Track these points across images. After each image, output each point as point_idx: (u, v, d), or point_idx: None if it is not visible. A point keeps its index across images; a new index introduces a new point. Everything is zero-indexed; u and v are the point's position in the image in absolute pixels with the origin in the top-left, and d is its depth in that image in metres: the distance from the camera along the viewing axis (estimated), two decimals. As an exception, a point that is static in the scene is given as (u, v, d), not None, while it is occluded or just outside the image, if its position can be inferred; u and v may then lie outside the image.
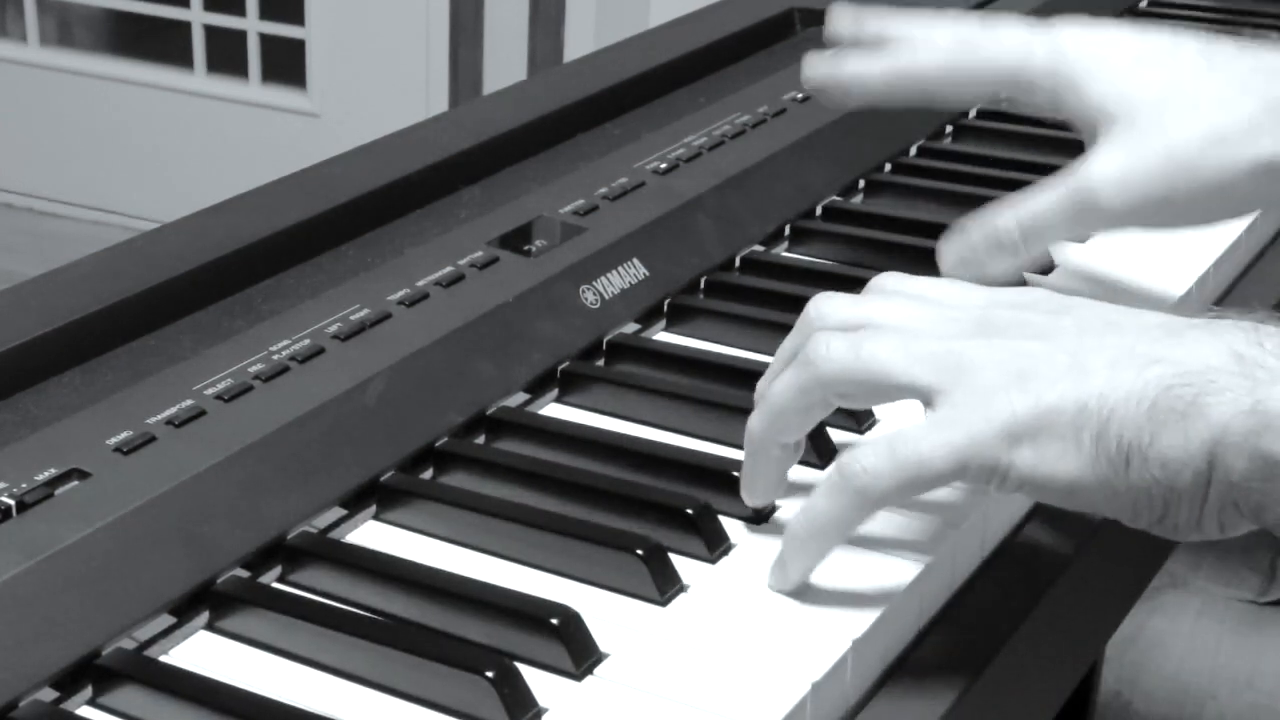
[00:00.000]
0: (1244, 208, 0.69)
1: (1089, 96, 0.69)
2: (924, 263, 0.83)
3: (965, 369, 0.56)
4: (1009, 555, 0.64)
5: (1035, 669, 0.63)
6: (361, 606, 0.57)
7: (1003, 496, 0.60)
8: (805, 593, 0.58)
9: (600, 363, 0.73)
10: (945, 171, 0.94)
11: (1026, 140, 1.00)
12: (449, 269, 0.72)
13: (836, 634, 0.56)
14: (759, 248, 0.84)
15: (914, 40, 0.73)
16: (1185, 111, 0.67)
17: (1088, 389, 0.54)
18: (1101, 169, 0.68)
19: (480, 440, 0.67)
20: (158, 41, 2.81)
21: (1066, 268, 0.84)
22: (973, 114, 1.04)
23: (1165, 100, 0.68)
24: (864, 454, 0.55)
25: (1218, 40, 0.70)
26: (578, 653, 0.54)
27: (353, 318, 0.68)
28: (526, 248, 0.75)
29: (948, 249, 0.72)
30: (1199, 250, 0.85)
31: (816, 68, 0.74)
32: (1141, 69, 0.69)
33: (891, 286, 0.62)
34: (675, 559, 0.58)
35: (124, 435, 0.59)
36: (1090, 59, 0.70)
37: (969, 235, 0.71)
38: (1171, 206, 0.67)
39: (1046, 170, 0.94)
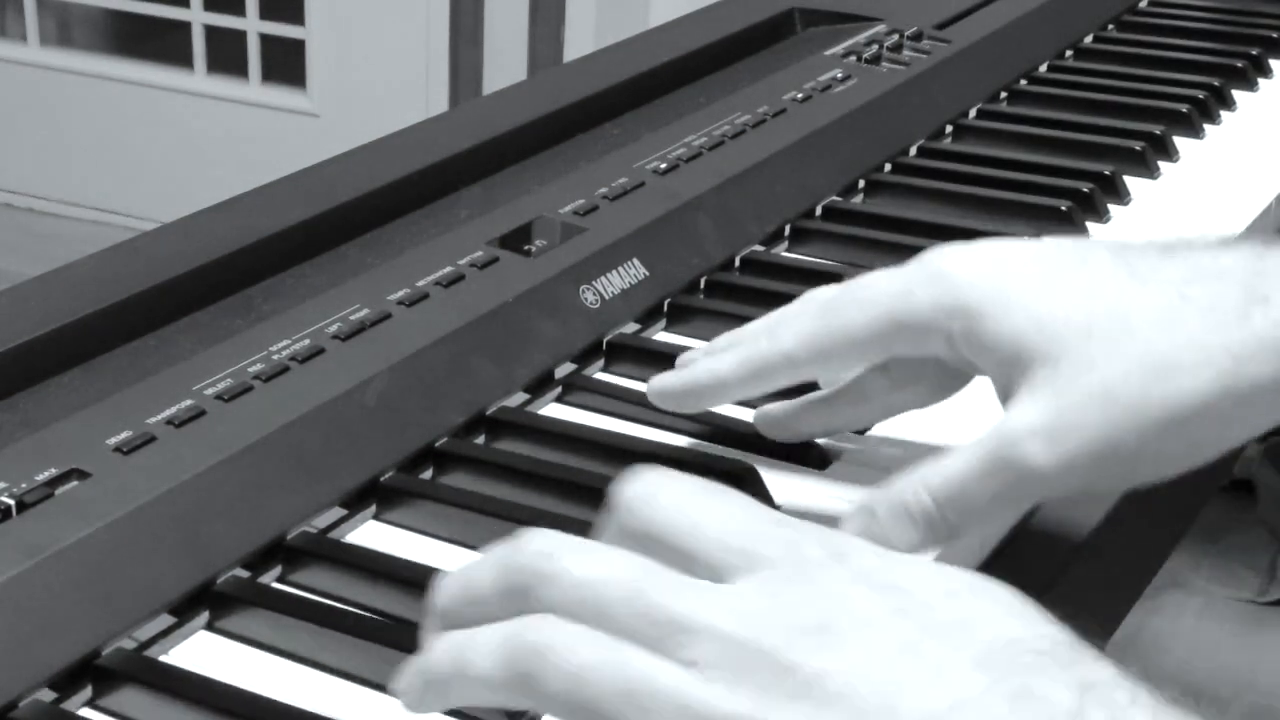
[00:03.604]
0: (1207, 449, 0.54)
1: (997, 332, 0.55)
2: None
3: None
4: (1008, 557, 0.64)
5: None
6: (361, 606, 0.57)
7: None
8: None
9: (600, 363, 0.73)
10: (945, 171, 0.94)
11: (1026, 140, 1.00)
12: (449, 269, 0.72)
13: (836, 634, 0.55)
14: (759, 248, 0.84)
15: (771, 327, 0.60)
16: (1118, 338, 0.53)
17: None
18: (1024, 421, 0.54)
19: (480, 440, 0.67)
20: (158, 41, 2.81)
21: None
22: (973, 114, 1.04)
23: (1090, 326, 0.54)
24: None
25: (1127, 244, 0.57)
26: (578, 653, 0.54)
27: (353, 318, 0.68)
28: (526, 248, 0.75)
29: (848, 528, 0.56)
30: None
31: (665, 380, 0.63)
32: (1055, 288, 0.55)
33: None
34: (675, 559, 0.58)
35: (124, 435, 0.59)
36: (989, 284, 0.56)
37: (876, 513, 0.55)
38: (1118, 457, 0.53)
39: (1046, 170, 0.95)
